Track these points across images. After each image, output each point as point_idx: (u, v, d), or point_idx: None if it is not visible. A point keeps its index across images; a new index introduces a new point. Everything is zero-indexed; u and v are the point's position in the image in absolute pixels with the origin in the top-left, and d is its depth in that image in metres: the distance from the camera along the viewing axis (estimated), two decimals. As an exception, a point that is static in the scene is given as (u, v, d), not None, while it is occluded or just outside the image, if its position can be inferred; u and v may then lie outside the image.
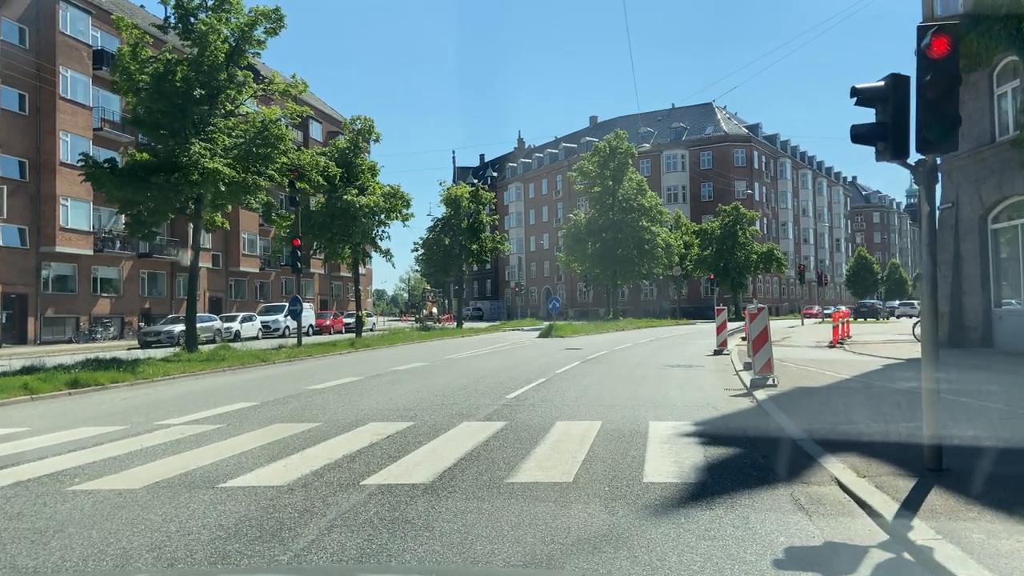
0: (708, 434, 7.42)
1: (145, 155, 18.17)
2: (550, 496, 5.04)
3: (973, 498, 4.72)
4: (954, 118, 5.14)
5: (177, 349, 21.09)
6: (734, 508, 4.70)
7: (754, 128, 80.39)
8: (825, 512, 4.65)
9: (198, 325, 31.00)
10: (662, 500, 4.95)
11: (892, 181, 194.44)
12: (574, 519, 4.53)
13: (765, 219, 76.47)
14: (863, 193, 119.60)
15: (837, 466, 5.71)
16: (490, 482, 5.44)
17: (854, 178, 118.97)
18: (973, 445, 6.34)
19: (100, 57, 36.17)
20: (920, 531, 4.13)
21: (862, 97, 5.51)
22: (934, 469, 5.34)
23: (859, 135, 5.47)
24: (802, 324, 45.73)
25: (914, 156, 5.44)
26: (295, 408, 9.77)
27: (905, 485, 5.09)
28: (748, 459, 6.27)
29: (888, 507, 4.55)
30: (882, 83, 5.45)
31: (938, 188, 5.92)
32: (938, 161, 5.82)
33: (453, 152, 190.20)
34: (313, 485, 5.42)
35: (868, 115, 5.63)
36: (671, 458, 6.22)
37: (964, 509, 4.49)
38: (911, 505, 4.60)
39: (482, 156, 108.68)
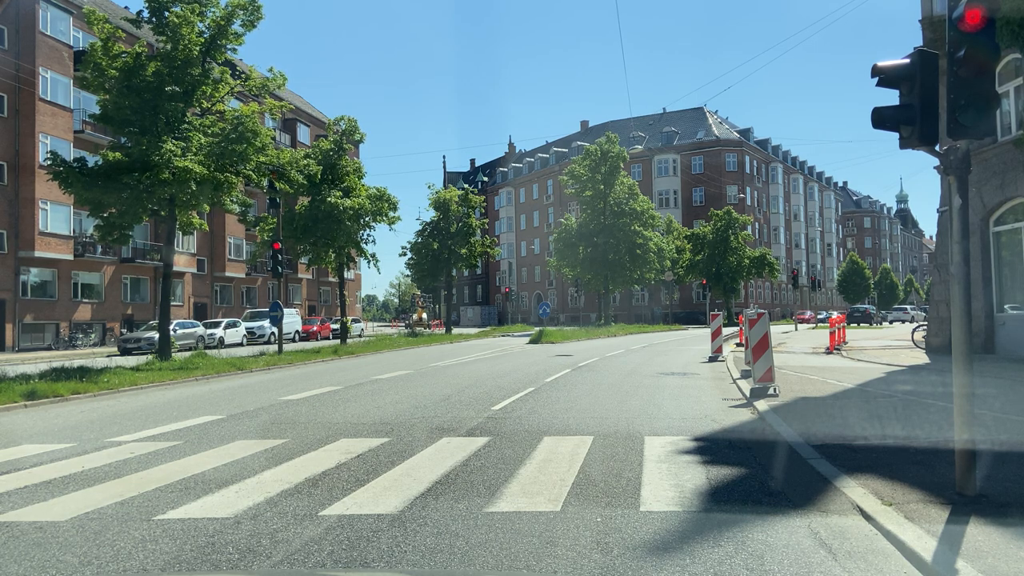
0: (709, 451, 6.81)
1: (117, 155, 17.40)
2: (535, 529, 4.40)
3: (1021, 531, 4.11)
4: (991, 98, 4.55)
5: (151, 357, 20.28)
6: (746, 544, 4.06)
7: (745, 133, 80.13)
8: (852, 550, 4.01)
9: (179, 331, 30.41)
10: (663, 534, 4.32)
11: (882, 186, 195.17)
12: (561, 559, 3.89)
13: (757, 224, 76.14)
14: (854, 198, 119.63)
15: (857, 490, 5.10)
16: (467, 512, 4.79)
17: (845, 183, 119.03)
18: (1006, 466, 5.73)
19: (81, 58, 35.34)
20: (967, 575, 3.52)
21: (884, 77, 4.91)
22: (968, 495, 4.73)
23: (882, 118, 4.87)
24: (795, 329, 45.38)
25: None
26: (263, 422, 9.07)
27: (938, 515, 4.47)
28: (756, 481, 5.64)
29: (924, 544, 3.93)
30: (907, 60, 4.85)
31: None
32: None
33: (443, 157, 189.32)
34: (264, 516, 4.75)
35: (887, 98, 5.04)
36: (670, 480, 5.59)
37: (1013, 546, 3.87)
38: (950, 541, 3.98)
39: (472, 161, 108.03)
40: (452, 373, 16.08)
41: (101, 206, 17.58)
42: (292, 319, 40.41)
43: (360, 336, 42.09)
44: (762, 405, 9.47)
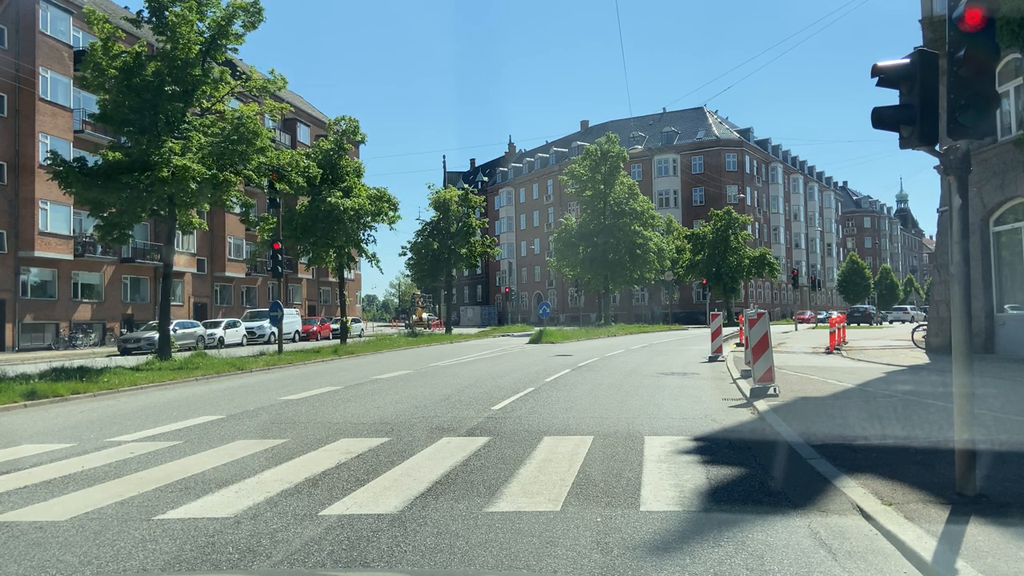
0: (709, 451, 6.81)
1: (117, 154, 17.42)
2: (535, 529, 4.40)
3: (1021, 531, 4.11)
4: (991, 98, 4.54)
5: (151, 357, 20.28)
6: (746, 545, 4.06)
7: (745, 132, 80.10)
8: (851, 550, 4.01)
9: (179, 331, 30.41)
10: (663, 533, 4.32)
11: (882, 186, 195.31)
12: (561, 559, 3.89)
13: (757, 224, 76.12)
14: (854, 198, 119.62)
15: (857, 490, 5.10)
16: (467, 512, 4.79)
17: (845, 183, 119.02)
18: (1006, 466, 5.73)
19: (81, 58, 35.33)
20: (967, 575, 3.52)
21: (884, 77, 4.91)
22: (968, 495, 4.73)
23: (882, 118, 4.87)
24: (795, 329, 45.39)
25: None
26: (263, 422, 9.07)
27: (938, 515, 4.47)
28: (756, 481, 5.64)
29: (924, 544, 3.93)
30: (907, 60, 4.85)
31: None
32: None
33: (443, 157, 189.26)
34: (264, 516, 4.75)
35: (887, 98, 5.04)
36: (670, 480, 5.59)
37: (1013, 546, 3.88)
38: (950, 541, 3.98)
39: (472, 160, 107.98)
40: (452, 373, 16.08)
41: (101, 206, 17.59)
42: (292, 319, 40.40)
43: (360, 336, 42.08)
44: (762, 405, 9.47)
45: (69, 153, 30.83)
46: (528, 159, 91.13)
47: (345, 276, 32.13)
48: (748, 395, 10.56)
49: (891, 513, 4.52)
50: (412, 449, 6.99)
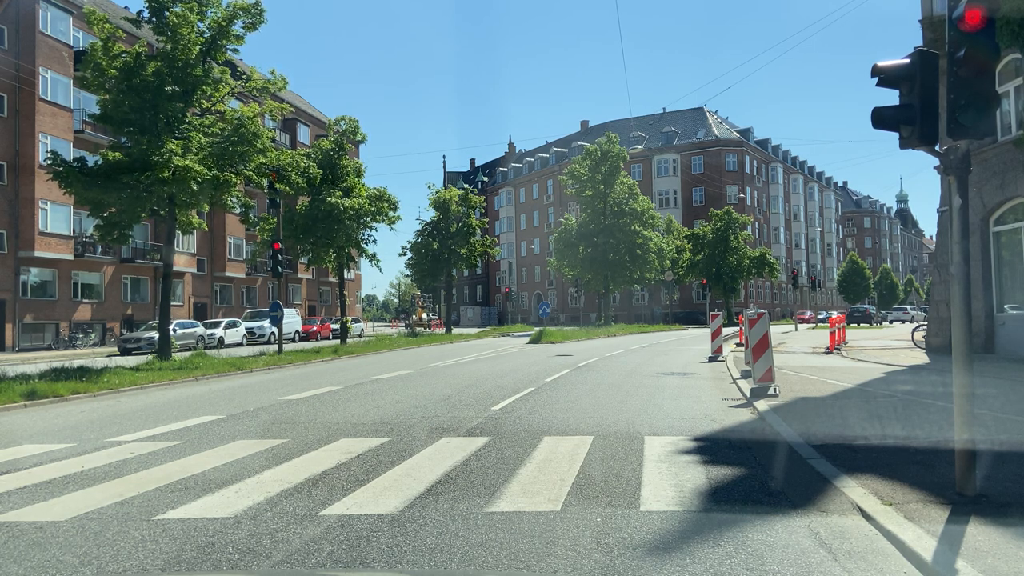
0: (709, 451, 6.81)
1: (117, 154, 17.44)
2: (535, 529, 4.40)
3: (1021, 531, 4.11)
4: (991, 98, 4.54)
5: (151, 357, 20.28)
6: (746, 545, 4.06)
7: (745, 133, 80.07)
8: (851, 550, 4.01)
9: (179, 331, 30.42)
10: (663, 534, 4.32)
11: (882, 186, 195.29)
12: (561, 559, 3.89)
13: (757, 224, 76.10)
14: (854, 198, 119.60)
15: (857, 490, 5.10)
16: (467, 512, 4.79)
17: (845, 183, 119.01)
18: (1006, 466, 5.73)
19: (81, 58, 35.32)
20: (966, 575, 3.52)
21: (884, 77, 4.91)
22: (968, 495, 4.73)
23: (882, 118, 4.87)
24: (795, 329, 45.39)
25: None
26: (263, 422, 9.07)
27: (938, 515, 4.47)
28: (756, 481, 5.64)
29: (924, 544, 3.93)
30: (907, 60, 4.85)
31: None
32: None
33: (444, 157, 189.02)
34: (264, 516, 4.75)
35: (887, 98, 5.04)
36: (670, 480, 5.59)
37: (1013, 546, 3.88)
38: (950, 541, 3.98)
39: (472, 160, 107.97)
40: (452, 373, 16.08)
41: (101, 206, 17.60)
42: (292, 319, 40.40)
43: (360, 336, 42.07)
44: (762, 405, 9.47)
45: (69, 153, 30.83)
46: (528, 159, 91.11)
47: (345, 276, 32.12)
48: (748, 395, 10.56)
49: (891, 513, 4.52)
50: (412, 449, 6.99)
